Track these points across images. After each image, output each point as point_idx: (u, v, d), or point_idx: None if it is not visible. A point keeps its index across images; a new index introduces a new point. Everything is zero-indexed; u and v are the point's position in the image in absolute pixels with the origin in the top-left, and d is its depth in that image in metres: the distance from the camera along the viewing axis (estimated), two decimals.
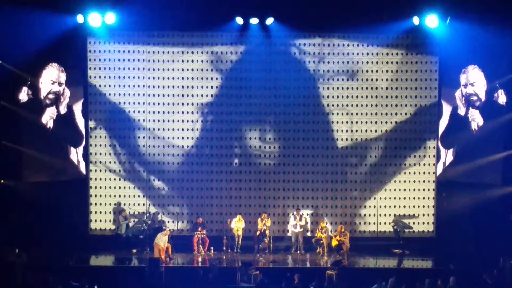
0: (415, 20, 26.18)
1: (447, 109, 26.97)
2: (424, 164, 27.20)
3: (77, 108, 27.08)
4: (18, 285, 21.47)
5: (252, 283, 21.96)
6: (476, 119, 26.50)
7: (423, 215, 27.20)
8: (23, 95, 26.14)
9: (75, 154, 27.24)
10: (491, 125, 26.04)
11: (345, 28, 26.81)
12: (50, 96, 26.57)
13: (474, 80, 26.40)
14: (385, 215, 27.26)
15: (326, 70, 27.12)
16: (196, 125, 27.23)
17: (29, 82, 26.11)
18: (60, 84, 26.72)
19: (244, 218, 26.22)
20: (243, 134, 27.27)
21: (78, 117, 27.10)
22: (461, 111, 26.77)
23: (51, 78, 26.59)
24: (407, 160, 27.24)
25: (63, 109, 26.87)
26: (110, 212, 27.26)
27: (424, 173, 27.21)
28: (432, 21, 26.03)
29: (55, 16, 25.52)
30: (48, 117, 26.65)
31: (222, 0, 26.00)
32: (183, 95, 27.14)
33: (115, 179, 27.34)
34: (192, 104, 27.17)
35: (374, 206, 27.28)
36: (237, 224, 25.83)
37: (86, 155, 27.21)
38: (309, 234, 26.84)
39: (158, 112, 27.19)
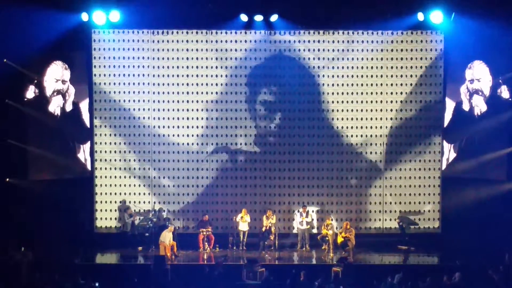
0: (420, 16, 26.21)
1: (451, 104, 27.01)
2: (430, 160, 27.17)
3: (83, 105, 27.16)
4: (24, 283, 21.46)
5: (258, 280, 21.98)
6: (479, 105, 26.56)
7: (429, 211, 27.19)
8: (30, 93, 26.32)
9: (83, 152, 27.31)
10: (497, 120, 26.11)
11: (349, 24, 26.79)
12: (55, 94, 26.69)
13: (480, 75, 26.54)
14: (390, 211, 27.25)
15: (331, 66, 27.10)
16: (201, 122, 27.23)
17: (35, 81, 26.22)
18: (64, 82, 26.83)
19: (249, 215, 26.23)
20: (248, 131, 27.26)
21: (84, 114, 27.18)
22: (466, 106, 26.84)
23: (55, 76, 26.75)
24: (412, 156, 27.21)
25: (68, 106, 26.98)
26: (115, 210, 27.30)
27: (429, 169, 27.19)
28: (436, 17, 26.06)
29: (60, 15, 25.60)
30: (55, 106, 26.74)
31: None
32: (188, 93, 27.15)
33: (120, 176, 27.36)
34: (197, 101, 27.17)
35: (380, 203, 27.27)
36: (244, 217, 25.83)
37: (91, 153, 27.25)
38: (314, 231, 26.83)
39: (163, 109, 27.20)
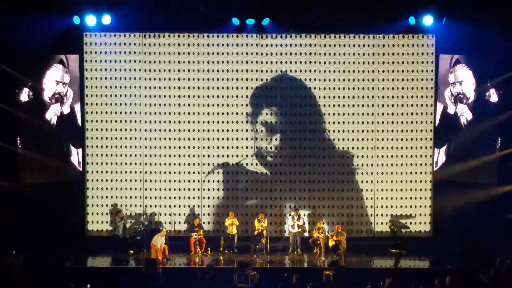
0: (412, 20, 26.28)
1: (439, 108, 27.13)
2: (421, 164, 27.20)
3: (78, 108, 27.19)
4: (15, 286, 21.44)
5: (249, 284, 21.95)
6: (464, 114, 26.80)
7: (420, 215, 27.22)
8: (24, 96, 26.35)
9: (76, 155, 27.31)
10: (485, 124, 26.27)
11: (341, 28, 26.83)
12: (55, 96, 26.82)
13: (462, 78, 26.73)
14: (382, 215, 27.28)
15: (322, 70, 27.13)
16: (192, 125, 27.22)
17: (29, 83, 26.27)
18: (64, 84, 26.87)
19: (241, 219, 26.33)
20: (239, 134, 27.27)
21: (79, 117, 27.20)
22: (451, 109, 27.05)
23: (55, 78, 26.85)
24: (404, 160, 27.23)
25: (66, 109, 27.06)
26: (107, 213, 27.26)
27: (420, 172, 27.22)
28: (428, 21, 26.14)
29: (52, 18, 25.65)
30: (52, 114, 26.85)
31: (218, 1, 26.07)
32: (179, 96, 27.14)
33: (112, 180, 27.32)
34: (189, 104, 27.16)
35: (371, 206, 27.29)
36: (232, 221, 25.85)
37: (83, 156, 27.21)
38: (306, 234, 26.84)
39: (155, 113, 27.18)
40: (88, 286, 20.15)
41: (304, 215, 27.02)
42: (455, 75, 26.92)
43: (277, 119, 27.26)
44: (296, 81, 27.19)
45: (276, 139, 27.30)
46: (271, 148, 27.32)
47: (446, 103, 27.14)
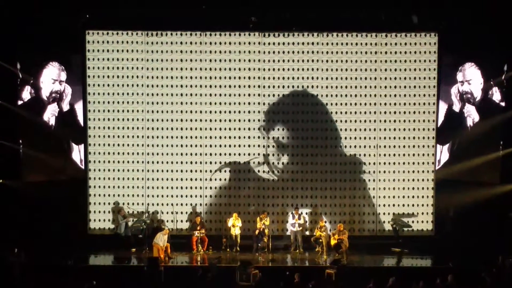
0: (414, 18, 26.27)
1: (443, 106, 27.14)
2: (423, 163, 27.15)
3: (79, 106, 27.26)
4: (17, 284, 21.46)
5: (251, 282, 21.96)
6: (472, 115, 26.88)
7: (422, 213, 27.19)
8: (26, 93, 26.53)
9: (78, 153, 27.37)
10: (489, 123, 26.30)
11: (343, 26, 26.80)
12: (53, 95, 26.92)
13: (470, 77, 26.82)
14: (384, 213, 27.25)
15: (324, 68, 27.10)
16: (195, 123, 27.20)
17: (31, 81, 26.34)
18: (60, 82, 26.98)
19: (243, 217, 26.32)
20: (242, 133, 27.25)
21: (80, 115, 27.30)
22: (456, 107, 27.13)
23: (52, 76, 27.03)
24: (406, 159, 27.20)
25: (65, 107, 27.21)
26: (109, 212, 27.25)
27: (423, 171, 27.18)
28: (431, 19, 26.14)
29: (54, 16, 25.70)
30: (50, 114, 27.01)
31: (221, 0, 26.11)
32: (181, 94, 27.14)
33: (114, 178, 27.31)
34: (191, 102, 27.15)
35: (373, 205, 27.27)
36: (234, 222, 25.84)
37: (85, 155, 27.23)
38: (308, 233, 26.83)
39: (157, 111, 27.17)
40: (94, 283, 20.16)
41: (306, 213, 27.00)
42: (464, 74, 27.00)
43: (279, 118, 27.23)
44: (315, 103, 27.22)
45: (278, 138, 27.28)
46: (273, 146, 27.30)
47: (452, 101, 27.18)
